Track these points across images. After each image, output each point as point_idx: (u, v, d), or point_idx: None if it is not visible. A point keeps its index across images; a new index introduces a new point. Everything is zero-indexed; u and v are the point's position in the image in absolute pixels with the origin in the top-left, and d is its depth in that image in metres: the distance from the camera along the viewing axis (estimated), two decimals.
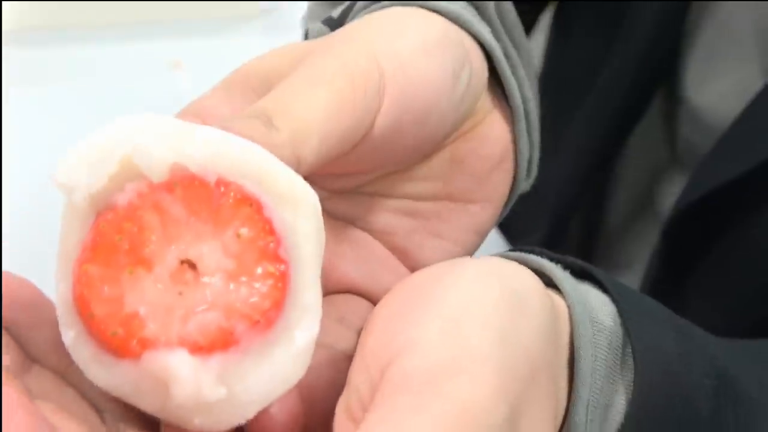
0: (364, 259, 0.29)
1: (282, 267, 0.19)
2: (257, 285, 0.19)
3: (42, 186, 0.24)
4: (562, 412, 0.25)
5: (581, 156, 0.57)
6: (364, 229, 0.29)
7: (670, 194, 0.54)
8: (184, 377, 0.18)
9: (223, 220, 0.19)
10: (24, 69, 0.86)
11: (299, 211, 0.20)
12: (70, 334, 0.21)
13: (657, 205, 0.57)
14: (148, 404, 0.20)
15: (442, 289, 0.22)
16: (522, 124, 0.31)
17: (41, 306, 0.22)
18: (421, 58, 0.27)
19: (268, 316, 0.19)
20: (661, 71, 0.53)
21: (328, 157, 0.24)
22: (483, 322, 0.22)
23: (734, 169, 0.44)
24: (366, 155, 0.27)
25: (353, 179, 0.30)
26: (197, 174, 0.20)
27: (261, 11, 0.91)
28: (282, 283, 0.19)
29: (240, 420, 0.20)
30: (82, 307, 0.20)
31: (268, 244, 0.20)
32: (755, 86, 0.45)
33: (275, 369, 0.19)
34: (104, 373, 0.20)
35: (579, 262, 0.28)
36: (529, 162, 0.33)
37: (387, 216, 0.30)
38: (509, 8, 0.33)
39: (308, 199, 0.20)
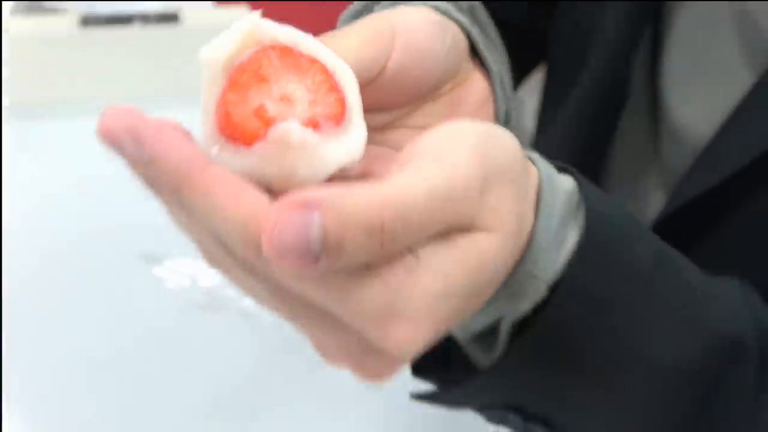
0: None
1: (341, 95, 0.33)
2: (330, 100, 0.32)
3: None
4: (525, 237, 0.33)
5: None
6: (387, 146, 0.40)
7: (653, 213, 0.57)
8: (295, 130, 0.30)
9: (303, 71, 0.33)
10: (25, 141, 0.88)
11: (346, 73, 0.34)
12: (214, 150, 0.31)
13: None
14: (271, 173, 0.31)
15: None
16: (496, 78, 0.44)
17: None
18: (420, 24, 0.40)
19: (338, 117, 0.32)
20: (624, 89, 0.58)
21: (359, 77, 0.35)
22: (467, 140, 0.32)
23: (708, 181, 0.49)
24: (383, 89, 0.39)
25: (378, 117, 0.41)
26: (288, 45, 0.33)
27: None
28: (341, 103, 0.33)
29: (326, 174, 0.31)
30: (225, 119, 0.31)
31: (331, 84, 0.33)
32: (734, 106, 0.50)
33: (346, 145, 0.32)
34: (240, 161, 0.30)
35: (560, 163, 0.37)
36: (506, 114, 0.46)
37: (404, 134, 0.42)
38: (480, 8, 0.47)
39: (347, 69, 0.34)
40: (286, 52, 0.33)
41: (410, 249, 0.29)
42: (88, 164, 0.83)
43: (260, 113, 0.31)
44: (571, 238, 0.35)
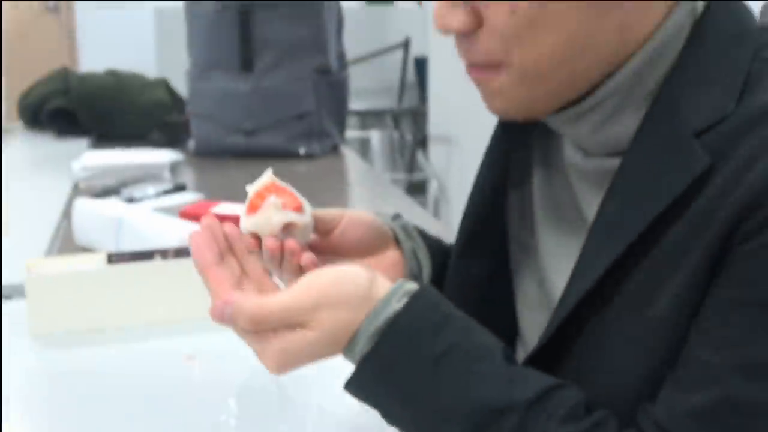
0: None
1: (299, 203, 0.71)
2: (295, 204, 0.71)
3: None
4: (351, 333, 0.64)
5: None
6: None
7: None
8: (275, 200, 0.70)
9: (285, 194, 0.71)
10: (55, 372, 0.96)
11: (304, 200, 0.72)
12: (242, 221, 0.70)
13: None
14: (261, 222, 0.69)
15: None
16: (408, 253, 0.80)
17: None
18: (363, 214, 0.78)
19: (298, 209, 0.71)
20: None
21: (325, 225, 0.76)
22: (321, 279, 0.65)
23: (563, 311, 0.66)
24: (336, 239, 0.77)
25: (335, 261, 0.74)
26: (280, 185, 0.71)
27: None
28: (299, 205, 0.71)
29: (282, 223, 0.70)
30: (249, 205, 0.70)
31: (295, 199, 0.71)
32: None
33: (301, 216, 0.71)
34: (251, 219, 0.70)
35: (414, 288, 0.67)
36: (412, 272, 0.80)
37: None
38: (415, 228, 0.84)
39: (308, 207, 0.72)
40: (278, 188, 0.71)
41: (273, 329, 0.63)
42: (116, 393, 0.91)
43: (261, 198, 0.70)
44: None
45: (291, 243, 0.70)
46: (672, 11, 0.64)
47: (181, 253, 1.08)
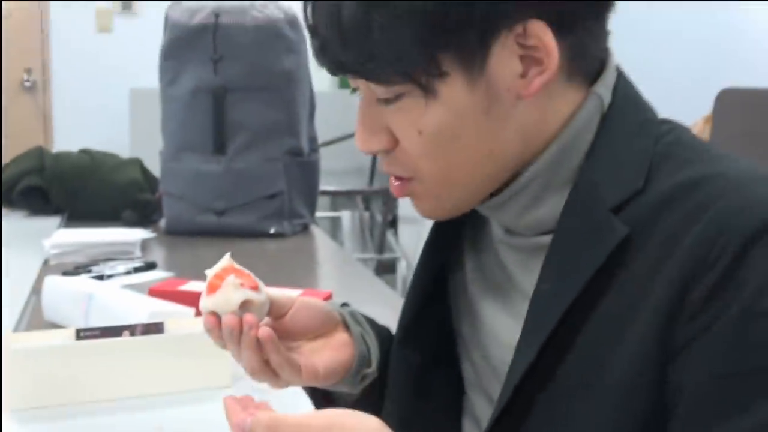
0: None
1: (255, 283, 0.77)
2: (251, 283, 0.77)
3: None
4: None
5: None
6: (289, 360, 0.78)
7: None
8: (234, 279, 0.75)
9: (243, 276, 0.76)
10: None
11: (259, 281, 0.77)
12: (202, 301, 0.77)
13: None
14: (220, 302, 0.75)
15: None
16: (356, 335, 0.84)
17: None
18: (312, 300, 0.84)
19: (255, 288, 0.77)
20: None
21: (278, 309, 0.81)
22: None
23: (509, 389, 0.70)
24: (288, 322, 0.81)
25: (286, 344, 0.79)
26: (238, 268, 0.77)
27: (234, 380, 1.06)
28: (256, 285, 0.77)
29: (240, 301, 0.76)
30: (208, 286, 0.76)
31: (252, 279, 0.77)
32: None
33: (258, 295, 0.77)
34: (210, 299, 0.76)
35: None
36: (362, 354, 0.84)
37: (300, 353, 0.80)
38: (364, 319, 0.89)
39: (264, 287, 0.78)
40: (236, 270, 0.76)
41: None
42: None
43: (220, 280, 0.75)
44: None
45: (249, 317, 0.75)
46: (581, 106, 0.71)
47: (149, 329, 1.09)
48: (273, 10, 2.05)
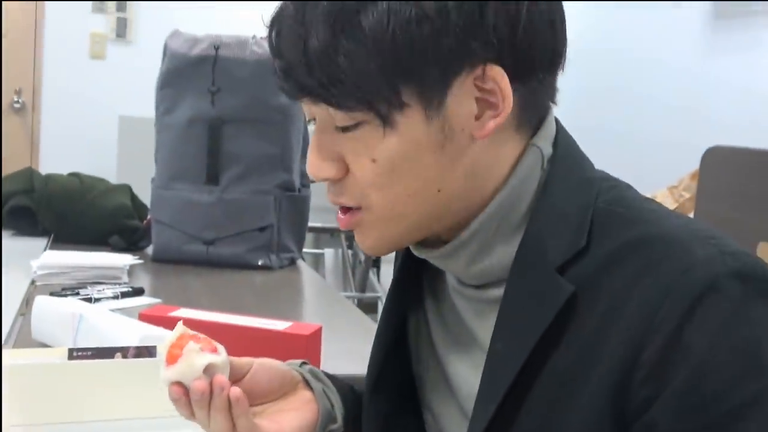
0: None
1: (214, 346, 0.76)
2: (210, 346, 0.76)
3: None
4: None
5: None
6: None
7: None
8: (194, 346, 0.75)
9: (200, 341, 0.76)
10: None
11: (219, 345, 0.77)
12: (162, 371, 0.75)
13: None
14: (183, 370, 0.74)
15: None
16: (318, 393, 0.84)
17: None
18: (271, 361, 0.83)
19: (214, 351, 0.76)
20: None
21: (238, 372, 0.79)
22: None
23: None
24: (249, 383, 0.79)
25: (252, 408, 0.77)
26: (193, 335, 0.76)
27: None
28: (214, 348, 0.76)
29: (204, 366, 0.75)
30: (168, 356, 0.75)
31: (210, 342, 0.76)
32: None
33: (216, 357, 0.76)
34: (171, 370, 0.75)
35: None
36: (326, 411, 0.84)
37: (265, 416, 0.80)
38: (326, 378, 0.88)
39: (222, 348, 0.77)
40: (192, 336, 0.75)
41: None
42: None
43: (178, 349, 0.74)
44: None
45: (220, 378, 0.74)
46: (522, 157, 0.73)
47: (141, 353, 1.10)
48: None
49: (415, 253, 0.78)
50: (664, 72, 3.52)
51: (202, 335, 0.76)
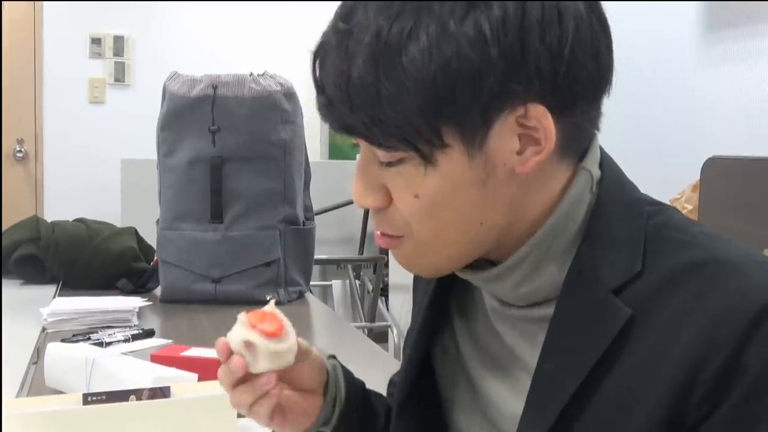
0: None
1: (277, 333, 0.79)
2: (277, 327, 0.80)
3: None
4: None
5: None
6: None
7: None
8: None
9: (274, 321, 0.80)
10: None
11: (289, 323, 0.81)
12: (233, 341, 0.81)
13: None
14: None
15: None
16: (332, 384, 0.89)
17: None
18: (318, 354, 0.90)
19: (273, 335, 0.79)
20: None
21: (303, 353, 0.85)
22: None
23: None
24: (305, 367, 0.86)
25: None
26: (269, 313, 0.81)
27: None
28: (283, 328, 0.80)
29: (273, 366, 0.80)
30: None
31: (275, 331, 0.79)
32: None
33: (285, 347, 0.80)
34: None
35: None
36: (335, 399, 0.88)
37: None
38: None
39: (290, 337, 0.81)
40: (268, 314, 0.80)
41: None
42: None
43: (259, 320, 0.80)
44: None
45: (270, 377, 0.80)
46: (573, 181, 0.73)
47: (155, 394, 1.11)
48: (269, 82, 2.10)
49: (459, 274, 0.78)
50: (658, 84, 3.54)
51: (284, 319, 0.81)
